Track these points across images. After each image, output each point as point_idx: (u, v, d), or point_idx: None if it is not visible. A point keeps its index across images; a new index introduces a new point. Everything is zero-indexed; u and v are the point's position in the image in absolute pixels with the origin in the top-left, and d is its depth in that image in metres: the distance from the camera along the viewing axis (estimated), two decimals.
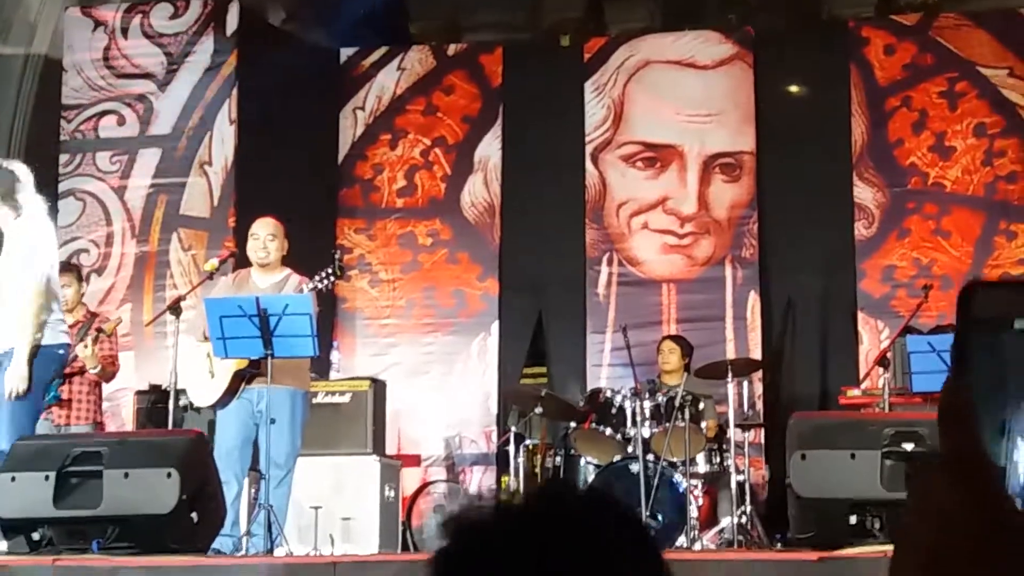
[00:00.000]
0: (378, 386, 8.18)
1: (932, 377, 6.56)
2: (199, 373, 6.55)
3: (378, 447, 7.98)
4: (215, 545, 5.98)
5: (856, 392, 7.95)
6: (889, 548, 4.80)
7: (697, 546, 7.16)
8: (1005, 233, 9.28)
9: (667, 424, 7.61)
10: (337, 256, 6.52)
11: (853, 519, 5.11)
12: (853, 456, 5.16)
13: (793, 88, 9.87)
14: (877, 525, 5.11)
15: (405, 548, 8.05)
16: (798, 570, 4.87)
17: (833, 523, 5.11)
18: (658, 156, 9.79)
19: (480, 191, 9.91)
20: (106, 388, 8.04)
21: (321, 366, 8.40)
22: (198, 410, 6.91)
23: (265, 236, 6.69)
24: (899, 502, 5.08)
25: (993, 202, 9.33)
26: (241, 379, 6.44)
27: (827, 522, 5.13)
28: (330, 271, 6.48)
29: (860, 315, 9.25)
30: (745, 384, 8.51)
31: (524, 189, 9.82)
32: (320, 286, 6.46)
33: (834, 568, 4.81)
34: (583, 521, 1.16)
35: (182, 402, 6.87)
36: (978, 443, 1.07)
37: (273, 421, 6.33)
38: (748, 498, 7.53)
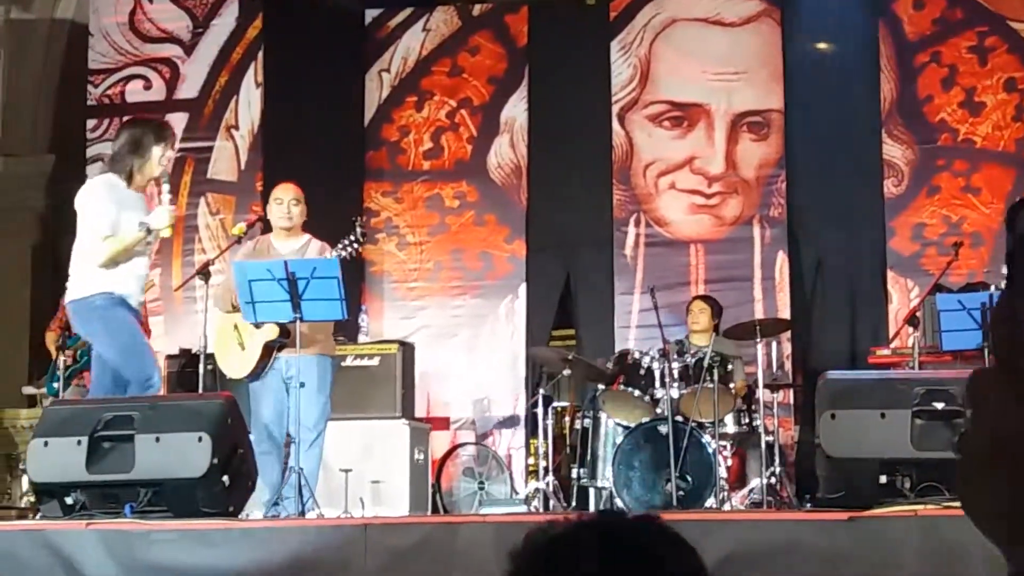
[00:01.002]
0: (407, 349, 8.20)
1: (962, 335, 6.53)
2: (229, 346, 6.58)
3: (407, 410, 8.01)
4: (274, 514, 6.07)
5: (886, 351, 7.91)
6: (920, 507, 4.79)
7: (726, 507, 7.16)
8: None
9: (696, 385, 7.59)
10: (358, 222, 6.50)
11: (883, 479, 5.10)
12: (883, 415, 5.14)
13: (821, 45, 9.77)
14: (907, 484, 5.10)
15: (435, 510, 8.08)
16: (828, 530, 4.86)
17: (863, 483, 5.09)
18: (685, 115, 9.73)
19: (506, 152, 9.88)
20: None
21: (350, 330, 8.42)
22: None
23: (289, 200, 6.69)
24: (929, 461, 5.07)
25: (1023, 158, 9.25)
26: (271, 350, 6.47)
27: (857, 482, 5.12)
28: (352, 238, 6.47)
29: (889, 274, 9.20)
30: (774, 344, 8.50)
31: (551, 150, 9.78)
32: (344, 254, 6.45)
33: (864, 528, 4.80)
34: (639, 543, 1.34)
35: (211, 367, 6.89)
36: None
37: (303, 385, 6.36)
38: (777, 459, 7.52)
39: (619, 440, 7.54)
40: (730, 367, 7.76)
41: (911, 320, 7.12)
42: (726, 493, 7.31)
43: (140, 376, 5.99)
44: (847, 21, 9.66)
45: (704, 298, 8.70)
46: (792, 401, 8.87)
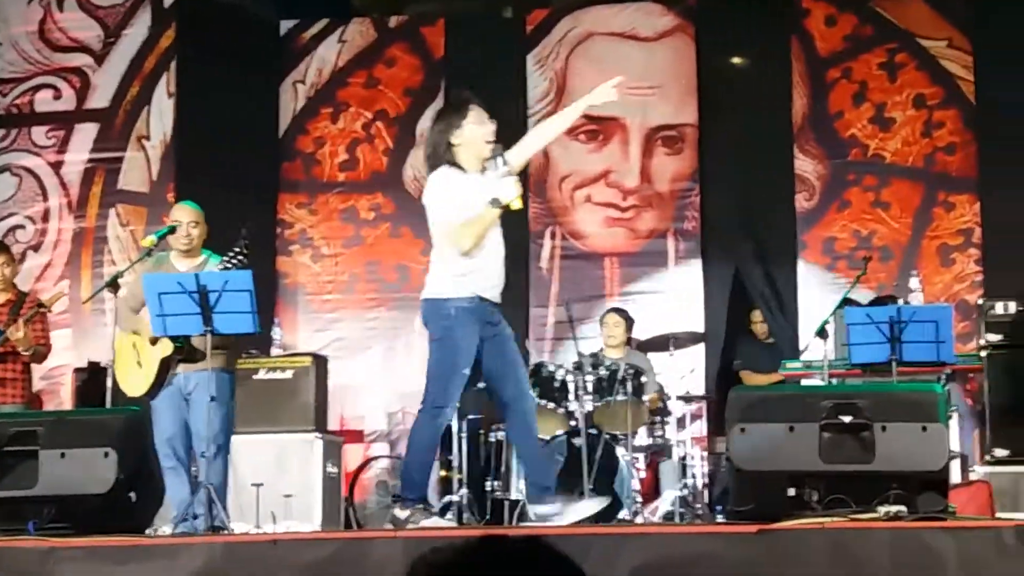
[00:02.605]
0: (320, 362, 8.14)
1: (870, 348, 6.61)
2: (128, 363, 6.50)
3: (320, 423, 7.95)
4: (183, 531, 5.98)
5: (796, 364, 7.98)
6: (827, 520, 4.82)
7: (639, 519, 7.19)
8: (943, 204, 9.36)
9: (609, 398, 7.63)
10: (244, 231, 6.35)
11: (792, 491, 5.13)
12: (792, 429, 5.17)
13: (735, 60, 9.86)
14: (815, 497, 5.14)
15: (348, 524, 8.03)
16: (738, 543, 4.88)
17: (772, 496, 5.12)
18: (601, 129, 9.78)
19: (423, 165, 9.80)
20: (44, 365, 7.96)
21: (262, 343, 8.34)
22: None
23: (188, 223, 6.61)
24: (837, 474, 5.11)
25: (932, 173, 9.41)
26: (168, 366, 6.40)
27: (766, 495, 5.14)
28: (237, 249, 6.34)
29: (801, 286, 9.30)
30: (688, 357, 8.55)
31: None
32: (230, 266, 6.33)
33: (773, 540, 4.82)
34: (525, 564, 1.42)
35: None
36: None
37: (213, 399, 6.30)
38: (690, 471, 7.56)
39: None
40: (644, 379, 7.80)
41: (821, 333, 7.18)
42: (639, 505, 7.33)
43: (427, 399, 5.76)
44: (760, 37, 9.77)
45: (617, 311, 8.75)
46: (705, 413, 8.94)
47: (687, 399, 8.25)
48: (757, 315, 9.08)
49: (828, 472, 5.10)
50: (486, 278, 5.73)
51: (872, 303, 7.77)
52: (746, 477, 5.23)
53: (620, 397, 7.68)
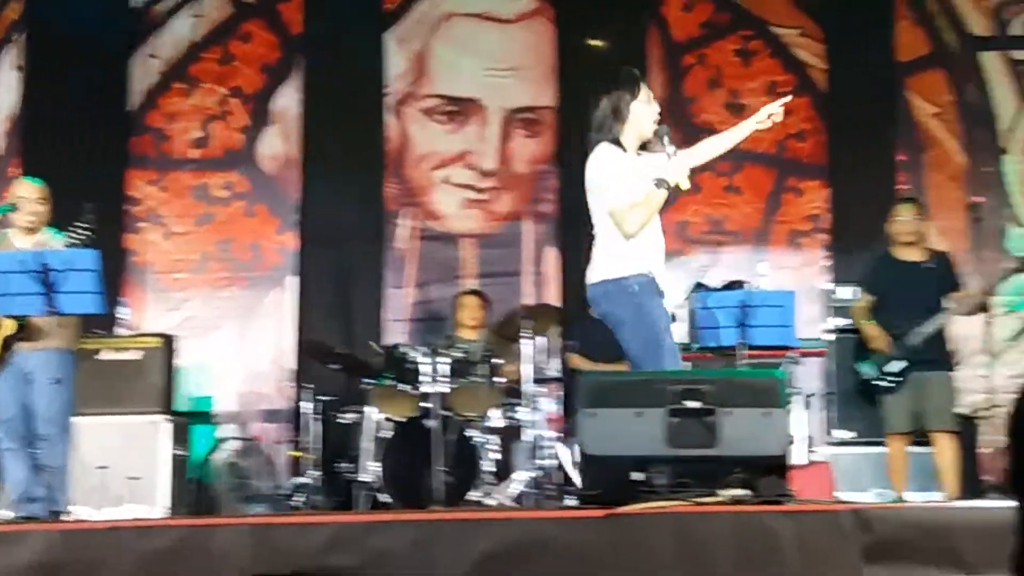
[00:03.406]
0: (169, 342, 7.99)
1: (719, 332, 6.69)
2: None
3: (167, 405, 7.81)
4: (24, 514, 5.82)
5: None
6: (672, 504, 4.88)
7: (490, 501, 7.20)
8: (793, 190, 9.53)
9: (464, 379, 7.62)
10: (88, 208, 6.17)
11: (638, 476, 5.18)
12: (639, 414, 5.23)
13: (594, 43, 9.90)
14: (662, 482, 5.20)
15: (197, 507, 7.91)
16: (585, 527, 4.91)
17: (619, 480, 5.17)
18: (459, 110, 9.75)
19: (279, 143, 9.73)
20: None
21: (109, 323, 8.16)
22: None
23: (34, 200, 6.43)
24: (683, 458, 5.18)
25: (783, 159, 9.57)
26: (7, 345, 6.22)
27: (614, 479, 5.19)
28: (81, 226, 6.17)
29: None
30: (543, 339, 8.57)
31: (324, 141, 9.65)
32: (75, 243, 6.16)
33: (619, 524, 4.86)
34: None
35: None
36: None
37: (59, 381, 6.15)
38: (543, 453, 7.60)
39: (386, 434, 7.51)
40: (499, 361, 7.81)
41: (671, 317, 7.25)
42: (490, 487, 7.35)
43: None
44: (619, 21, 9.82)
45: (473, 292, 8.75)
46: (561, 395, 8.98)
47: (542, 381, 8.28)
48: None
49: (674, 457, 5.17)
50: (655, 258, 5.68)
51: (722, 288, 7.87)
52: (594, 461, 5.27)
53: (475, 379, 7.68)
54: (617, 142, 5.69)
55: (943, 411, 7.16)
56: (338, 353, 8.16)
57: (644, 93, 5.78)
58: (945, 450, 7.14)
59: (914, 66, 9.57)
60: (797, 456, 6.18)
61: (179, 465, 7.73)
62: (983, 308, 7.22)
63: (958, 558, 4.53)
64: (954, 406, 7.26)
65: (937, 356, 7.22)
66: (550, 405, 8.05)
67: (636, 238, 5.59)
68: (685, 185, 5.71)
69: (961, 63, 9.57)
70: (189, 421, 8.13)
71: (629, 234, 5.59)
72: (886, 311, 7.32)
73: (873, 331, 7.28)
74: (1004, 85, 9.49)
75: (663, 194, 5.64)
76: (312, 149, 9.64)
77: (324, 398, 7.98)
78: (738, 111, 9.59)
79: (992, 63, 9.53)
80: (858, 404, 7.50)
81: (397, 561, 4.81)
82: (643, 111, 5.74)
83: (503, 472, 7.53)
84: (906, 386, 7.17)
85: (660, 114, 5.79)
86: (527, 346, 7.68)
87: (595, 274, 5.68)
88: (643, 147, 5.78)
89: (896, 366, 7.20)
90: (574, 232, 9.56)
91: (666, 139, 5.73)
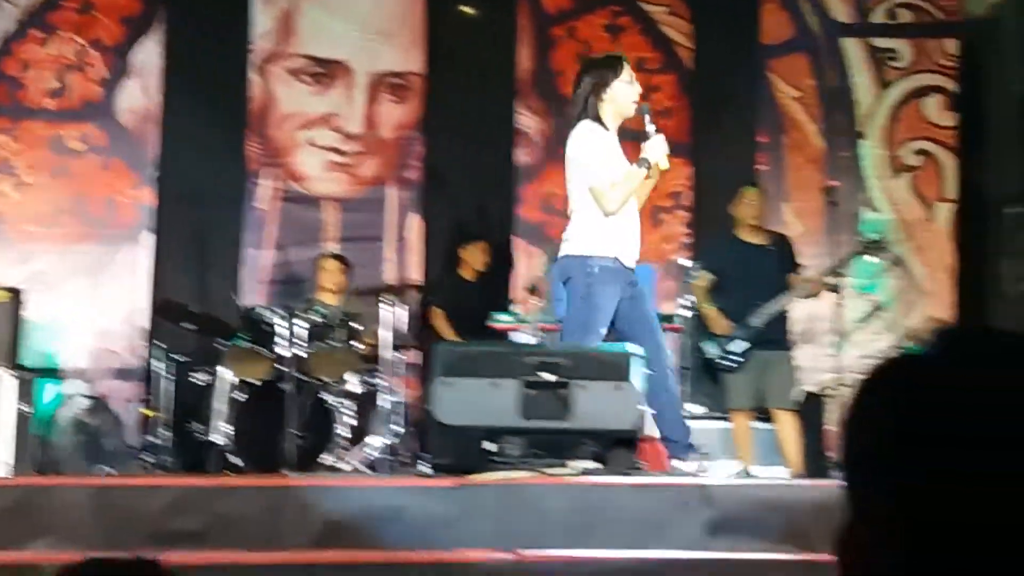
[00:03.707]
0: (17, 295, 7.78)
1: None
2: None
3: (14, 359, 7.61)
4: None
5: (507, 318, 8.09)
6: (523, 475, 4.91)
7: (343, 466, 7.17)
8: None
9: (322, 343, 7.57)
10: None
11: (491, 446, 5.21)
12: (494, 385, 5.25)
13: (464, 10, 9.85)
14: (514, 453, 5.23)
15: (43, 465, 7.73)
16: (435, 495, 4.92)
17: (472, 450, 5.19)
18: (326, 72, 9.63)
19: (138, 96, 9.51)
20: None
21: None
22: None
23: None
24: (535, 430, 5.21)
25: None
26: None
27: (466, 449, 5.21)
28: None
29: (517, 241, 9.42)
30: (403, 306, 8.54)
31: (185, 97, 9.44)
32: None
33: (470, 494, 4.89)
34: None
35: None
36: None
37: None
38: (399, 420, 7.58)
39: (239, 396, 7.42)
40: (358, 326, 7.77)
41: (532, 288, 7.30)
42: (344, 452, 7.31)
43: None
44: None
45: (336, 256, 8.68)
46: (420, 362, 8.96)
47: (400, 347, 8.25)
48: (469, 252, 8.97)
49: (527, 428, 5.21)
50: (626, 241, 5.71)
51: None
52: (447, 431, 5.29)
53: (333, 344, 7.63)
54: (599, 120, 5.75)
55: (783, 390, 7.39)
56: (193, 312, 8.04)
57: (627, 73, 5.85)
58: (786, 427, 7.35)
59: (778, 49, 9.71)
60: (650, 429, 6.25)
61: (23, 422, 7.55)
62: (830, 289, 7.40)
63: (799, 535, 4.64)
64: (793, 385, 7.47)
65: (778, 336, 7.43)
66: (411, 371, 8.03)
67: (610, 221, 5.68)
68: (664, 165, 5.77)
69: (823, 48, 9.74)
70: (35, 377, 7.93)
71: (609, 212, 5.68)
72: (727, 291, 7.50)
73: (711, 312, 7.47)
74: (864, 72, 9.68)
75: (643, 173, 5.72)
76: (172, 104, 9.44)
77: (177, 358, 7.85)
78: None
79: (853, 50, 9.71)
80: (710, 378, 7.63)
81: (243, 526, 4.77)
82: (624, 90, 5.82)
83: (358, 438, 7.49)
84: (748, 365, 7.35)
85: (641, 94, 5.85)
86: (386, 312, 7.64)
87: (564, 248, 5.83)
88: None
89: (738, 346, 7.37)
90: (438, 199, 9.56)
91: (647, 118, 5.81)
